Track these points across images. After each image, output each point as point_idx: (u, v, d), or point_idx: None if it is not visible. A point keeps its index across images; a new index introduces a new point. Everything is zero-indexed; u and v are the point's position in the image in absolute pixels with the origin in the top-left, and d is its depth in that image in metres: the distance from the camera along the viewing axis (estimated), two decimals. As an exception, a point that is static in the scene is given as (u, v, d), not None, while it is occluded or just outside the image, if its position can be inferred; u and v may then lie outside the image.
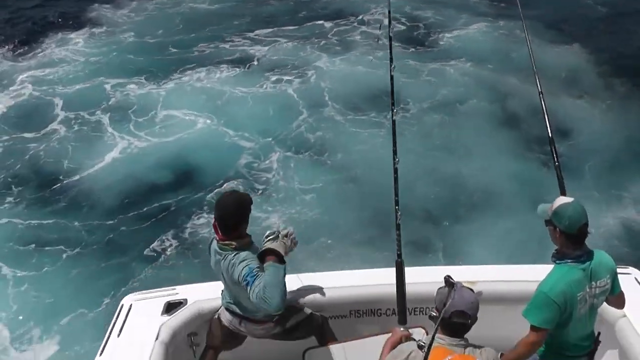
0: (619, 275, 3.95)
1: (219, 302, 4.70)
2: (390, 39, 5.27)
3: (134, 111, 12.42)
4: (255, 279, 3.87)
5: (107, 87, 13.32)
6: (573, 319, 3.65)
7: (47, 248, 8.91)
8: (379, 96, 11.69)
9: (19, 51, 15.38)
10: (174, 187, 10.24)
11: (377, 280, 4.82)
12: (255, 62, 14.41)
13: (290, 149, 11.08)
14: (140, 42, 15.55)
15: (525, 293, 4.03)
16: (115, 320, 4.78)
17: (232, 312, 4.48)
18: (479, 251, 8.37)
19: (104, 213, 9.66)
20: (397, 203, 4.51)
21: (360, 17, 16.52)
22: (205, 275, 5.11)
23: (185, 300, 4.89)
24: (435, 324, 3.29)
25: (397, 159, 4.57)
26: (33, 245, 8.91)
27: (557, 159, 4.43)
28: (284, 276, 3.98)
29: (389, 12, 5.67)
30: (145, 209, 9.74)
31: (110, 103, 12.73)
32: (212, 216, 4.27)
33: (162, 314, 4.78)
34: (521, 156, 10.62)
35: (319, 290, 4.88)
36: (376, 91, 11.97)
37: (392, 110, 4.80)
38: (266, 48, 15.06)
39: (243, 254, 4.07)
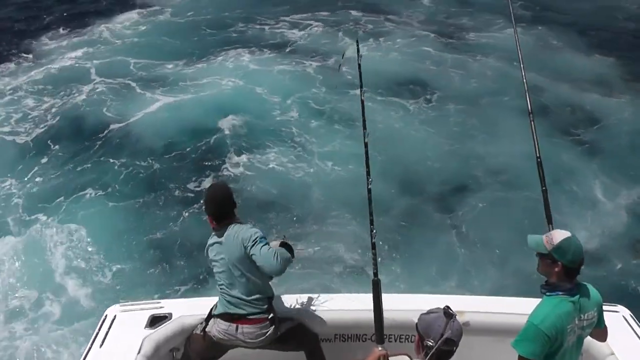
0: (607, 313, 3.99)
1: (203, 318, 4.73)
2: (359, 66, 5.32)
3: (169, 81, 13.39)
4: (266, 244, 4.34)
5: (148, 61, 14.34)
6: (561, 351, 3.64)
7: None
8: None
9: (69, 27, 16.57)
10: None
11: (364, 305, 4.67)
12: (288, 46, 15.20)
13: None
14: (181, 23, 16.65)
15: (512, 325, 4.04)
16: (98, 331, 4.81)
17: (229, 317, 4.52)
18: (467, 280, 8.35)
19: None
20: (371, 222, 4.56)
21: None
22: (191, 291, 5.18)
23: (170, 314, 4.94)
24: (430, 353, 3.44)
25: (370, 179, 4.65)
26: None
27: (544, 183, 4.46)
28: (288, 263, 4.41)
29: (357, 41, 5.77)
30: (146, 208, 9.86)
31: (151, 73, 13.76)
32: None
33: (146, 327, 4.82)
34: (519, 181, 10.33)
35: (307, 311, 4.93)
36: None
37: (365, 133, 4.90)
38: (299, 32, 15.91)
39: (249, 225, 4.52)
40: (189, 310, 4.98)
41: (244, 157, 10.76)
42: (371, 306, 4.36)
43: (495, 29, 16.33)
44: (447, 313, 3.52)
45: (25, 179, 10.39)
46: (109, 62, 14.33)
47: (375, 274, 4.41)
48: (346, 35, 15.49)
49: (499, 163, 10.56)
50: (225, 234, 4.44)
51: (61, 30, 16.46)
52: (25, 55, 15.07)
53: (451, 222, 9.38)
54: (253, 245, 4.31)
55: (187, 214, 9.47)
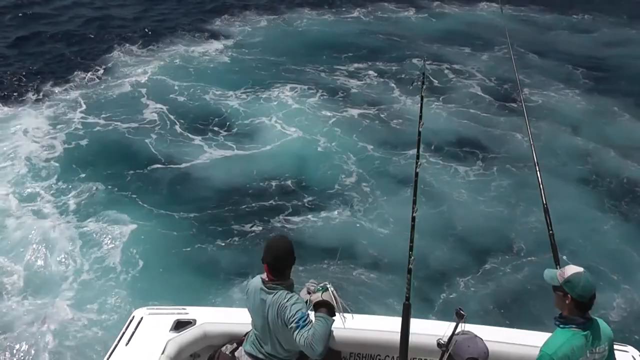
0: (617, 352, 4.12)
1: (225, 327, 4.88)
2: (422, 98, 5.49)
3: (230, 118, 13.66)
4: (306, 325, 4.08)
5: (210, 93, 14.66)
6: None
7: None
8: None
9: (142, 48, 17.14)
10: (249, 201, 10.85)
11: (392, 327, 4.79)
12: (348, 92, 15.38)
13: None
14: (249, 59, 17.02)
15: (527, 356, 4.21)
16: (125, 330, 5.01)
17: (253, 357, 4.53)
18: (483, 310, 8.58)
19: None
20: (411, 249, 4.59)
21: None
22: (215, 300, 5.20)
23: (194, 320, 5.08)
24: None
25: (415, 208, 4.69)
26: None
27: (551, 227, 4.61)
28: (328, 338, 4.14)
29: (423, 74, 5.91)
30: (193, 221, 10.16)
31: (213, 108, 14.02)
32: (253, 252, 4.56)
33: (171, 330, 4.98)
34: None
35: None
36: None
37: (417, 163, 4.95)
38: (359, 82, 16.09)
39: (294, 296, 4.27)
40: (213, 318, 5.14)
41: (294, 202, 10.91)
42: (398, 329, 4.45)
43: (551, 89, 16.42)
44: (459, 314, 3.89)
45: (75, 182, 10.89)
46: (173, 88, 14.81)
47: (407, 298, 4.47)
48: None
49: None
50: (272, 297, 4.28)
51: (134, 49, 17.12)
52: (96, 67, 15.66)
53: (483, 270, 9.59)
54: (296, 329, 4.12)
55: (223, 239, 9.76)
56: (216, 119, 13.48)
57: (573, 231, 10.28)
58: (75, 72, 15.29)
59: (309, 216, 10.50)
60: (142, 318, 5.11)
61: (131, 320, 5.10)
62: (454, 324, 4.16)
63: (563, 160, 12.76)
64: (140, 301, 7.45)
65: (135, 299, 7.94)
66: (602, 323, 3.91)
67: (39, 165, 11.27)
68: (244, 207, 10.63)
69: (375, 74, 16.60)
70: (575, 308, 3.76)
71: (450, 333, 4.04)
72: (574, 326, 3.76)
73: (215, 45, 17.73)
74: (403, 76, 16.48)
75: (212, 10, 20.64)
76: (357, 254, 9.51)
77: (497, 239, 10.31)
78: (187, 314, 5.15)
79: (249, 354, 4.54)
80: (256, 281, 4.42)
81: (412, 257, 4.54)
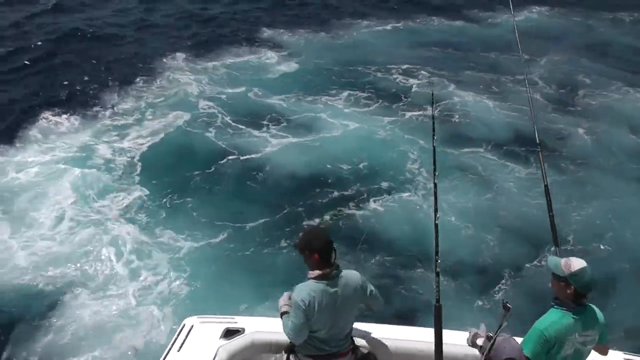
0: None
1: (273, 337, 5.07)
2: (433, 117, 5.78)
3: (286, 120, 14.12)
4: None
5: (272, 99, 15.19)
6: (558, 357, 4.11)
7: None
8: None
9: (201, 56, 17.69)
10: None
11: (426, 337, 4.87)
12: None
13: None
14: (306, 68, 17.46)
15: None
16: (177, 337, 5.29)
17: (318, 357, 4.65)
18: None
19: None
20: (436, 253, 4.74)
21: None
22: (262, 310, 5.50)
23: (243, 329, 5.33)
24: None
25: (438, 216, 4.88)
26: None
27: (552, 210, 4.91)
28: None
29: (432, 93, 6.29)
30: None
31: (273, 111, 14.51)
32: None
33: (221, 337, 5.24)
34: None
35: (374, 340, 5.18)
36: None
37: (434, 175, 5.13)
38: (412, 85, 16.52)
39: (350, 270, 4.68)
40: (261, 327, 5.35)
41: (350, 199, 11.27)
42: (419, 337, 4.73)
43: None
44: (505, 306, 3.89)
45: (133, 188, 11.28)
46: (232, 94, 15.32)
47: (438, 300, 4.59)
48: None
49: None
50: (343, 281, 4.49)
51: (191, 56, 17.72)
52: (154, 75, 16.21)
53: (528, 266, 9.77)
54: (371, 290, 4.68)
55: (271, 247, 10.00)
56: (271, 119, 13.98)
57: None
58: (135, 80, 15.77)
59: (367, 210, 10.87)
60: (192, 326, 5.36)
61: (182, 328, 5.36)
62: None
63: (620, 159, 12.83)
64: (191, 310, 7.60)
65: (186, 308, 8.21)
66: (595, 310, 4.22)
67: (101, 170, 11.60)
68: (296, 209, 10.89)
69: (427, 80, 16.90)
70: (574, 297, 4.06)
71: (501, 354, 4.02)
72: (565, 309, 4.09)
73: (269, 54, 18.20)
74: (458, 79, 16.86)
75: (264, 23, 21.26)
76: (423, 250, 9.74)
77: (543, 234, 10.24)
78: (236, 322, 5.39)
79: (310, 356, 4.66)
80: (311, 286, 4.44)
81: (438, 261, 4.68)
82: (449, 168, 11.95)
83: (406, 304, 8.75)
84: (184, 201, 10.98)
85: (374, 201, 11.15)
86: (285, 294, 4.82)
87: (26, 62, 16.70)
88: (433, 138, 5.40)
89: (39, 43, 17.86)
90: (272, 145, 12.91)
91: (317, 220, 10.56)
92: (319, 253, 4.44)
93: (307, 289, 4.44)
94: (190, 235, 10.03)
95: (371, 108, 15.00)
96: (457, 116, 14.73)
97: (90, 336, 8.02)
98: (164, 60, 17.24)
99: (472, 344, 4.36)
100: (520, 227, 10.58)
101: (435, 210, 4.91)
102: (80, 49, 17.81)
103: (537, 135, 5.56)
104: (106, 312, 8.41)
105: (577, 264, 4.06)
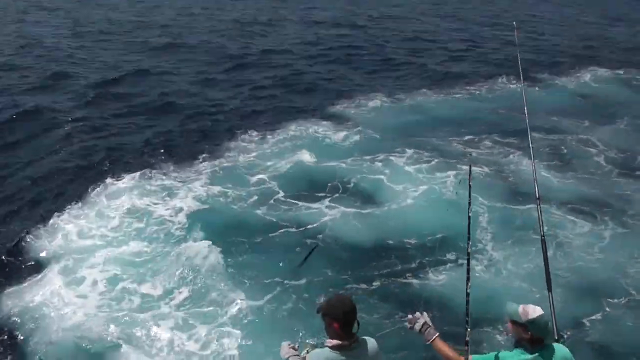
0: None
1: None
2: (469, 187, 5.80)
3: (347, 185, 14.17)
4: None
5: (330, 166, 15.24)
6: None
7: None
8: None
9: (263, 127, 17.93)
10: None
11: None
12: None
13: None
14: (369, 133, 17.71)
15: None
16: None
17: None
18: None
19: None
20: (467, 322, 4.69)
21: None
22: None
23: None
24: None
25: (470, 284, 4.84)
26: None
27: (547, 258, 5.13)
28: None
29: (470, 166, 6.24)
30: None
31: (333, 178, 14.49)
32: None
33: None
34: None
35: None
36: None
37: (468, 244, 5.11)
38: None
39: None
40: None
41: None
42: None
43: None
44: None
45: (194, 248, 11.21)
46: (290, 163, 15.31)
47: (467, 343, 4.55)
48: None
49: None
50: (358, 353, 4.34)
51: (256, 130, 17.76)
52: (223, 145, 16.40)
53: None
54: None
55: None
56: (331, 187, 13.97)
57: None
58: (194, 149, 16.04)
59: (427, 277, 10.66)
60: None
61: None
62: None
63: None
64: None
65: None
66: (560, 349, 4.49)
67: (153, 233, 11.70)
68: (341, 277, 10.71)
69: (490, 144, 16.96)
70: (532, 341, 4.41)
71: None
72: (524, 350, 4.43)
73: (332, 123, 18.47)
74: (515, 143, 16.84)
75: (325, 96, 21.70)
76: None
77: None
78: None
79: None
80: (327, 355, 4.32)
81: (469, 330, 4.64)
82: (509, 227, 12.00)
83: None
84: (237, 263, 10.90)
85: (433, 270, 10.89)
86: (284, 344, 4.75)
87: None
88: (469, 207, 5.53)
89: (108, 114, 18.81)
90: (328, 214, 12.81)
91: (364, 287, 10.35)
92: (340, 323, 4.29)
93: (323, 357, 4.30)
94: (237, 297, 9.95)
95: (432, 175, 14.89)
96: (524, 179, 14.61)
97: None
98: (226, 132, 17.57)
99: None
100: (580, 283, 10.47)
101: (468, 279, 4.93)
102: (142, 117, 18.62)
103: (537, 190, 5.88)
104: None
105: (533, 311, 4.39)
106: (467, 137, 17.49)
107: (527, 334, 4.37)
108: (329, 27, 36.18)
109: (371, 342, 4.46)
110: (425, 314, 4.86)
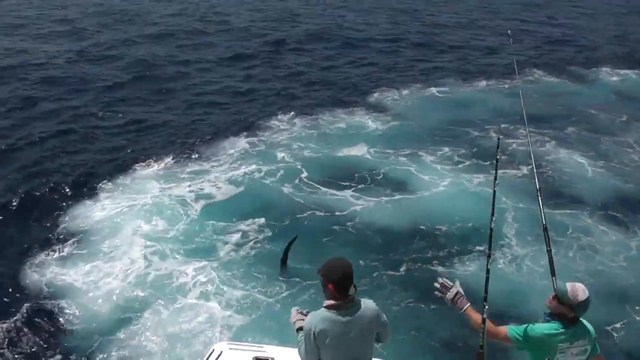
0: None
1: None
2: (497, 161, 5.80)
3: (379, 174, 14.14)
4: None
5: (366, 156, 15.24)
6: None
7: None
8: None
9: (301, 115, 17.83)
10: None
11: None
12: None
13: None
14: (404, 125, 17.55)
15: None
16: None
17: None
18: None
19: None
20: (485, 299, 4.61)
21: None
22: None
23: (273, 358, 5.18)
24: None
25: (490, 260, 4.74)
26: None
27: (550, 245, 5.11)
28: None
29: (498, 139, 6.19)
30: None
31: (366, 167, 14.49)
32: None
33: None
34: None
35: None
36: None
37: (492, 219, 4.96)
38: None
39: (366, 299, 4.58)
40: (290, 357, 5.17)
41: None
42: None
43: None
44: None
45: (207, 227, 11.50)
46: (325, 152, 15.36)
47: (481, 347, 4.41)
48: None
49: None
50: (358, 312, 4.37)
51: (291, 115, 17.82)
52: (257, 131, 16.39)
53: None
54: (384, 319, 4.54)
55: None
56: (361, 177, 13.90)
57: None
58: (229, 135, 16.02)
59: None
60: (221, 352, 5.28)
61: (211, 353, 5.28)
62: None
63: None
64: (221, 335, 7.89)
65: (216, 333, 8.31)
66: (586, 325, 4.68)
67: (175, 214, 11.88)
68: (371, 263, 10.66)
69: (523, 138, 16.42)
70: (572, 318, 4.56)
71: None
72: (559, 322, 4.56)
73: (367, 113, 18.35)
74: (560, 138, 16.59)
75: (366, 83, 21.58)
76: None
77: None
78: (265, 352, 5.28)
79: None
80: (322, 315, 4.37)
81: (486, 307, 4.56)
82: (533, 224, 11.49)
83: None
84: (265, 243, 11.04)
85: (462, 261, 10.81)
86: (294, 309, 4.80)
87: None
88: (495, 181, 5.50)
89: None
90: (358, 202, 12.78)
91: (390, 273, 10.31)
92: (335, 285, 4.33)
93: (318, 318, 4.37)
94: (248, 273, 10.13)
95: (466, 165, 14.77)
96: (559, 175, 14.42)
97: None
98: (263, 118, 17.53)
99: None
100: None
101: (489, 256, 4.81)
102: (182, 107, 18.64)
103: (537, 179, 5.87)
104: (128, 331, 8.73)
105: (583, 294, 4.49)
106: (502, 125, 17.26)
107: (571, 313, 4.52)
108: (371, 14, 35.79)
109: (369, 303, 4.45)
110: (457, 282, 4.81)
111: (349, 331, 4.31)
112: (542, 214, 5.26)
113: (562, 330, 4.53)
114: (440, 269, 10.48)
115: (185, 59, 23.78)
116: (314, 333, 4.31)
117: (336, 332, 4.29)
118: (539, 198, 5.44)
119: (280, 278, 9.90)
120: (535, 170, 5.98)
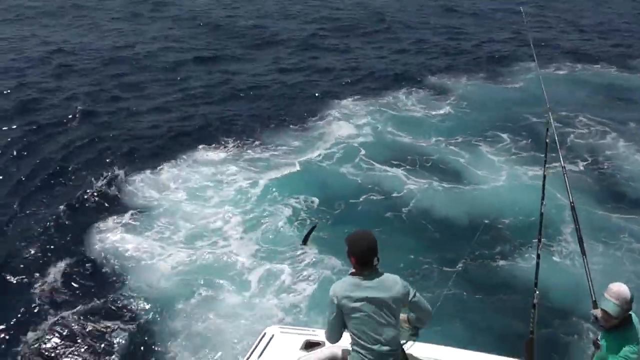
0: None
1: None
2: (546, 145, 5.81)
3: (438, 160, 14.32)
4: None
5: (424, 141, 15.39)
6: None
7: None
8: None
9: (361, 98, 18.24)
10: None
11: None
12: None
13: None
14: (465, 111, 17.65)
15: None
16: (257, 345, 5.31)
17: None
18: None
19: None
20: (535, 285, 4.66)
21: None
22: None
23: (323, 342, 5.23)
24: None
25: (540, 244, 4.79)
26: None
27: (578, 223, 5.07)
28: None
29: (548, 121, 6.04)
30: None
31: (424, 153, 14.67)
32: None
33: (301, 349, 5.21)
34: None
35: None
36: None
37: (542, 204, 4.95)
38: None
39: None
40: (341, 342, 5.10)
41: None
42: None
43: None
44: None
45: (266, 210, 11.90)
46: (388, 136, 15.62)
47: (532, 332, 4.43)
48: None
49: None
50: (378, 279, 4.43)
51: (353, 99, 18.22)
52: (311, 117, 16.74)
53: None
54: (415, 295, 4.51)
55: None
56: (417, 161, 14.09)
57: None
58: (295, 120, 16.48)
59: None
60: (273, 335, 5.39)
61: (263, 337, 5.40)
62: None
63: None
64: (272, 320, 8.03)
65: (267, 317, 8.45)
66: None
67: (238, 195, 12.33)
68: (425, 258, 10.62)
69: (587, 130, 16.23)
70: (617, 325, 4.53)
71: None
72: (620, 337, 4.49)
73: (429, 96, 18.56)
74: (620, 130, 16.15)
75: (429, 70, 21.57)
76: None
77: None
78: (316, 335, 5.36)
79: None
80: (345, 280, 4.47)
81: (537, 292, 4.57)
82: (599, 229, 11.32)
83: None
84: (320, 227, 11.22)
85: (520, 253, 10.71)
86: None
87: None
88: (544, 166, 5.51)
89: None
90: (415, 187, 12.89)
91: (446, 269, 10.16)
92: (358, 258, 4.41)
93: (341, 283, 4.48)
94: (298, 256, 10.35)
95: (521, 156, 14.56)
96: (617, 170, 14.04)
97: (158, 335, 8.60)
98: (329, 101, 17.90)
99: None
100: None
101: (539, 241, 4.89)
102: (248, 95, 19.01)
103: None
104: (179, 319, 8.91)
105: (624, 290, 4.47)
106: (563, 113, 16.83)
107: (616, 321, 4.45)
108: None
109: (392, 276, 4.49)
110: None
111: (373, 297, 4.34)
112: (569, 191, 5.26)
113: (633, 348, 4.43)
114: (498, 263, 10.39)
115: (255, 43, 24.64)
116: (336, 299, 4.40)
117: (359, 296, 4.34)
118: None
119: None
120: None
